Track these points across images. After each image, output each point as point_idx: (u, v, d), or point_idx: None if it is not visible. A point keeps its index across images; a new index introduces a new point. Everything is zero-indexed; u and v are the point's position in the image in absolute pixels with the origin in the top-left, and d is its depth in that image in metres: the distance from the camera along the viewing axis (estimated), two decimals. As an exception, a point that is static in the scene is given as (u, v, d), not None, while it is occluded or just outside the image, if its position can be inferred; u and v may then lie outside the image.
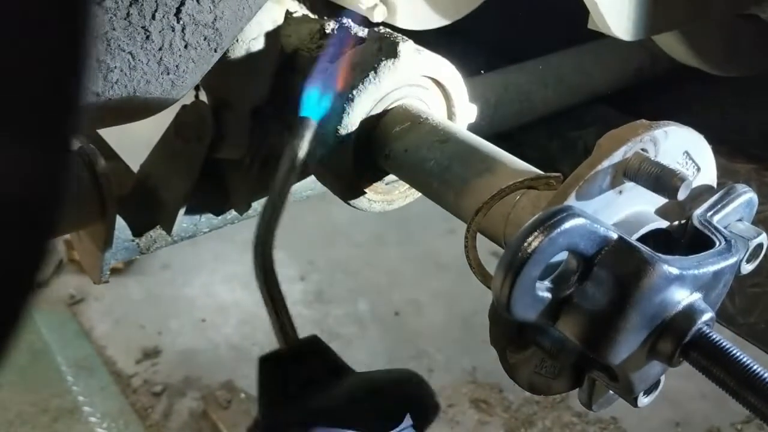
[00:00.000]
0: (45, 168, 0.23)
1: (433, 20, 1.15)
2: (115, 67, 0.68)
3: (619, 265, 0.58)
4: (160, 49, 0.70)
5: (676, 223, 0.69)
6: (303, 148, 0.79)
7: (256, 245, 0.76)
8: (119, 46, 0.67)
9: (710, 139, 0.70)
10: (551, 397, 2.48)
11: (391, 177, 0.93)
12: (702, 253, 0.64)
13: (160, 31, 0.69)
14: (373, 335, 2.72)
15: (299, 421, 0.60)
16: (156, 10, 0.67)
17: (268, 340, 2.81)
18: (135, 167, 1.02)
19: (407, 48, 0.86)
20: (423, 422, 0.63)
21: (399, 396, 0.65)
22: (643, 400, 0.70)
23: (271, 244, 0.77)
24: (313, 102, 0.82)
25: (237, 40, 0.89)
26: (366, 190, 0.92)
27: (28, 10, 0.22)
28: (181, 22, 0.70)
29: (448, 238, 3.10)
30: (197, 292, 2.95)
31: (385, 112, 0.88)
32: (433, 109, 0.92)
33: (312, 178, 1.07)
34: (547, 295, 0.58)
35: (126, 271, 2.98)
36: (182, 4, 0.69)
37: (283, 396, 0.64)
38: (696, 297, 0.62)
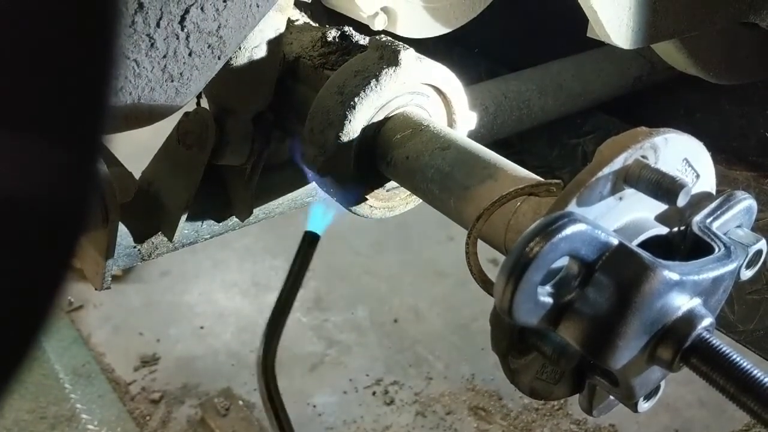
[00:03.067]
0: (75, 168, 0.24)
1: (433, 28, 1.16)
2: (120, 75, 0.68)
3: (620, 271, 0.58)
4: (164, 56, 0.71)
5: (676, 229, 0.69)
6: (307, 264, 0.83)
7: (261, 352, 0.79)
8: (124, 53, 0.67)
9: (709, 147, 0.71)
10: (550, 404, 2.47)
11: (392, 184, 0.94)
12: (702, 259, 0.64)
13: (164, 39, 0.70)
14: (372, 342, 2.72)
15: None
16: (160, 18, 0.68)
17: (266, 348, 2.82)
18: (136, 173, 1.03)
19: (408, 56, 0.86)
20: None
21: None
22: (644, 406, 0.70)
23: (274, 352, 0.81)
24: (318, 217, 0.85)
25: (240, 48, 0.90)
26: (367, 197, 0.93)
27: (61, 19, 0.23)
28: (186, 30, 0.71)
29: (447, 245, 3.11)
30: (196, 300, 2.95)
31: (387, 119, 0.89)
32: (434, 117, 0.93)
33: (313, 185, 1.08)
34: (549, 300, 0.59)
35: (125, 278, 2.98)
36: (187, 12, 0.69)
37: None
38: (696, 302, 0.62)
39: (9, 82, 0.23)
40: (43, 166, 0.23)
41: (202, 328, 2.82)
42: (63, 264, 0.26)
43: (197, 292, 2.98)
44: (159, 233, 1.03)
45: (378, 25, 1.07)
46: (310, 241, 0.85)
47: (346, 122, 0.85)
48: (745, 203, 0.70)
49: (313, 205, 0.85)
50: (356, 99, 0.84)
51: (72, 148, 0.24)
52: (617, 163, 0.63)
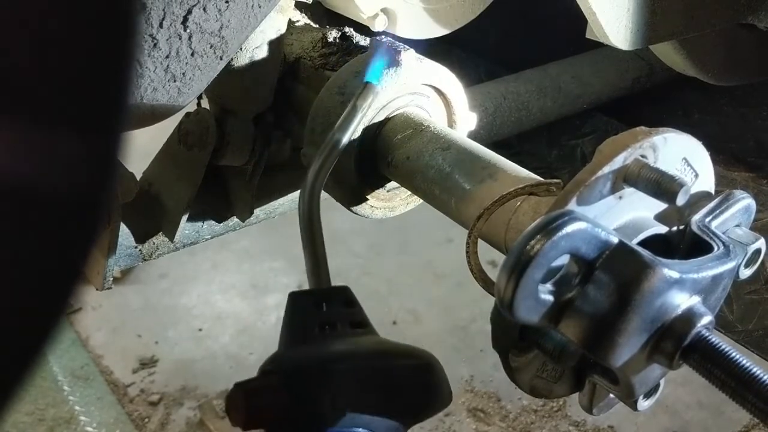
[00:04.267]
0: (95, 161, 0.24)
1: (433, 29, 1.17)
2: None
3: (620, 269, 0.59)
4: (167, 56, 0.71)
5: (675, 228, 0.70)
6: (366, 110, 0.81)
7: (304, 187, 0.77)
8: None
9: (708, 148, 0.71)
10: (549, 406, 2.47)
11: (393, 184, 0.94)
12: (701, 258, 0.65)
13: (167, 39, 0.70)
14: (371, 344, 2.71)
15: (313, 361, 0.60)
16: (163, 19, 0.68)
17: (265, 350, 2.80)
18: (137, 174, 1.03)
19: (409, 57, 0.87)
20: (429, 406, 0.63)
21: (411, 371, 0.64)
22: (643, 404, 0.70)
23: (320, 189, 0.78)
24: (378, 70, 0.83)
25: (241, 49, 0.90)
26: (368, 197, 0.93)
27: (80, 16, 0.23)
28: (188, 31, 0.71)
29: (446, 247, 3.11)
30: (195, 302, 2.95)
31: (387, 120, 0.89)
32: (434, 117, 0.93)
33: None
34: (549, 297, 0.59)
35: (124, 280, 2.97)
36: (189, 12, 0.70)
37: (304, 333, 0.64)
38: (695, 300, 0.63)
39: (31, 76, 0.23)
40: (63, 159, 0.23)
41: (200, 330, 2.82)
42: (78, 262, 0.26)
43: (196, 294, 2.98)
44: (160, 233, 1.03)
45: (378, 26, 1.07)
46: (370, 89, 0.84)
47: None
48: (744, 202, 0.70)
49: (378, 56, 0.84)
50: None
51: (92, 143, 0.24)
52: (617, 162, 0.63)
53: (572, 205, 0.62)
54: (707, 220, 0.68)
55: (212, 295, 2.97)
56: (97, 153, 0.25)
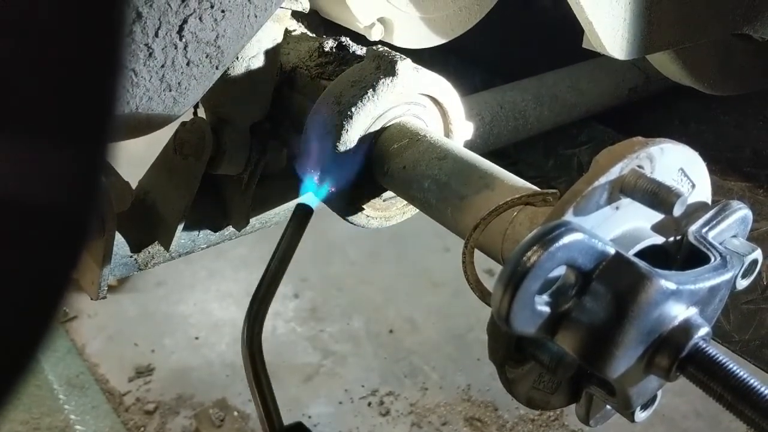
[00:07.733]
0: (83, 173, 0.24)
1: (429, 39, 1.17)
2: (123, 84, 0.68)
3: (617, 280, 0.59)
4: (162, 66, 0.71)
5: (672, 239, 0.70)
6: (298, 238, 0.86)
7: (245, 329, 0.79)
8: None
9: (704, 158, 0.71)
10: (546, 415, 2.47)
11: (389, 193, 0.94)
12: (698, 269, 0.64)
13: (162, 49, 0.70)
14: (368, 352, 2.71)
15: None
16: (159, 28, 0.68)
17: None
18: (133, 183, 1.03)
19: (405, 66, 0.87)
20: None
21: None
22: (640, 415, 0.70)
23: (260, 328, 0.81)
24: (311, 189, 0.86)
25: (237, 58, 0.90)
26: (364, 207, 0.93)
27: (68, 28, 0.23)
28: (184, 40, 0.71)
29: (443, 255, 3.10)
30: (191, 310, 2.94)
31: (383, 129, 0.89)
32: (431, 127, 0.93)
33: (310, 194, 1.08)
34: (546, 309, 0.59)
35: (120, 288, 2.97)
36: (185, 21, 0.70)
37: None
38: (692, 312, 0.62)
39: (17, 89, 0.23)
40: (49, 171, 0.23)
41: (197, 338, 2.81)
42: (67, 271, 0.26)
43: (192, 303, 2.97)
44: (155, 243, 1.03)
45: (375, 35, 1.07)
46: (302, 214, 0.86)
47: (343, 132, 0.85)
48: (741, 213, 0.70)
49: (306, 178, 0.86)
50: (353, 109, 0.85)
51: (78, 154, 0.24)
52: (613, 173, 0.63)
53: (569, 216, 0.62)
54: (704, 230, 0.68)
55: (209, 303, 2.97)
56: (84, 163, 0.25)
